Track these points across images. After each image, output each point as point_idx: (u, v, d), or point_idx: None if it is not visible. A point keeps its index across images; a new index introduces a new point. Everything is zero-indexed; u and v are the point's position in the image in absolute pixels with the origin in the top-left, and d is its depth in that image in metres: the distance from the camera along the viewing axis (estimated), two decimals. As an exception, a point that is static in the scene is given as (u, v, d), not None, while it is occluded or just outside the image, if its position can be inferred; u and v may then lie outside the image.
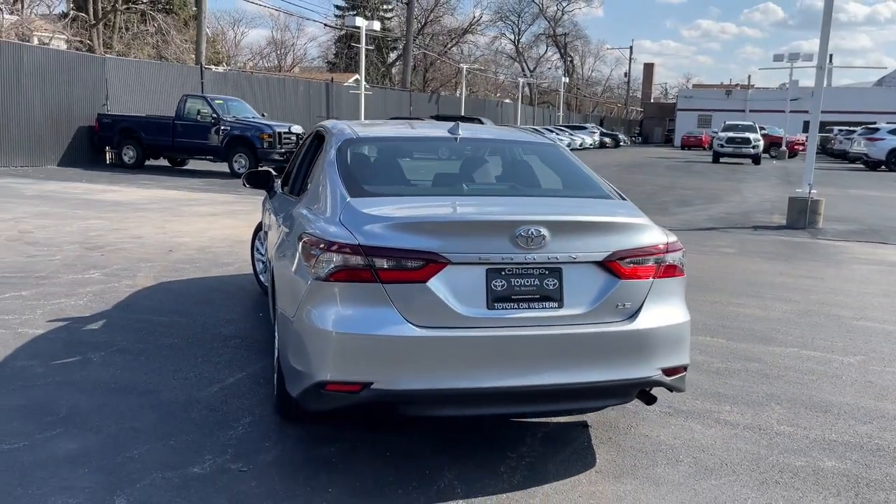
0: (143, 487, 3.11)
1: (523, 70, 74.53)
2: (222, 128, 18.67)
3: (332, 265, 3.05)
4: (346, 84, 35.17)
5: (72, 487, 3.09)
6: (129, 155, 19.59)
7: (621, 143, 55.93)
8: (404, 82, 44.16)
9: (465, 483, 3.26)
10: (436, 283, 3.04)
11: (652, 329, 3.27)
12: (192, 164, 20.63)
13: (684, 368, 3.45)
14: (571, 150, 41.91)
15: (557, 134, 43.57)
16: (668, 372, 3.36)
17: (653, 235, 3.38)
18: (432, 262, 3.02)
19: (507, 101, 57.96)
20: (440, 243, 3.06)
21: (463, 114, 39.24)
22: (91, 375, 4.40)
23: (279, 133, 18.51)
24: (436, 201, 3.59)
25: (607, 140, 52.66)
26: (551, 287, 3.18)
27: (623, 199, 3.78)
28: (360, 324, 2.99)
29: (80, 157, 19.77)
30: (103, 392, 4.15)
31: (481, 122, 24.29)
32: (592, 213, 3.43)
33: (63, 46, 28.75)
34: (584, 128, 52.05)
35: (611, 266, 3.24)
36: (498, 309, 3.11)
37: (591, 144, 47.72)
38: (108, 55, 20.91)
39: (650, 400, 3.53)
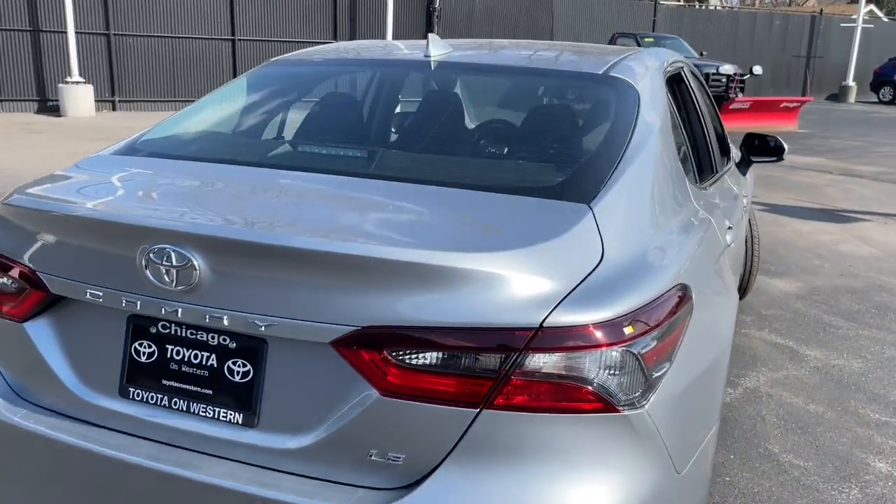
0: None
1: None
2: (646, 68, 17.15)
3: None
4: (850, 17, 29.20)
5: None
6: (559, 96, 19.48)
7: None
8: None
9: None
10: (39, 328, 1.67)
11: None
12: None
13: None
14: None
15: None
16: None
17: (493, 301, 1.37)
18: (33, 287, 1.66)
19: None
20: (41, 253, 1.66)
21: None
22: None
23: (705, 74, 16.16)
24: (155, 171, 2.00)
25: None
26: (238, 379, 1.51)
27: (587, 205, 1.65)
28: None
29: (519, 97, 20.37)
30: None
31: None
32: (325, 240, 1.51)
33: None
34: None
35: (354, 357, 1.41)
36: (136, 400, 1.60)
37: None
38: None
39: None
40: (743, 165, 3.97)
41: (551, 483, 1.39)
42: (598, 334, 1.38)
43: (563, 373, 1.37)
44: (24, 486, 1.66)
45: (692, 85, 2.99)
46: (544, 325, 1.35)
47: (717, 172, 2.95)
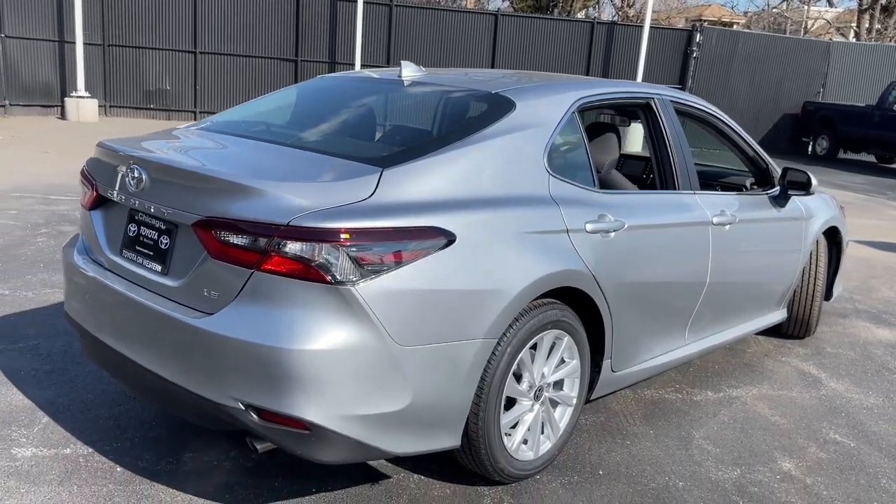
0: None
1: None
2: (921, 120, 15.64)
3: None
4: None
5: None
6: (821, 146, 18.38)
7: None
8: None
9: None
10: (97, 216, 2.94)
11: (226, 338, 2.31)
12: (899, 163, 17.91)
13: (305, 426, 2.29)
14: None
15: None
16: (263, 414, 2.31)
17: (266, 207, 2.30)
18: (95, 190, 2.94)
19: None
20: (95, 168, 2.98)
21: None
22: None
23: None
24: (182, 134, 3.24)
25: None
26: (163, 247, 2.61)
27: (380, 168, 2.49)
28: (72, 246, 3.14)
29: (780, 144, 19.50)
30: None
31: None
32: (198, 165, 2.53)
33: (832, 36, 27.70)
34: None
35: (200, 234, 2.44)
36: (124, 257, 2.79)
37: None
38: (833, 39, 19.62)
39: (251, 448, 2.44)
40: (782, 198, 4.26)
41: (289, 319, 2.29)
42: (321, 235, 2.25)
43: (300, 254, 2.26)
44: (84, 300, 2.95)
45: (661, 116, 3.54)
46: (290, 223, 2.26)
47: (655, 188, 3.48)
